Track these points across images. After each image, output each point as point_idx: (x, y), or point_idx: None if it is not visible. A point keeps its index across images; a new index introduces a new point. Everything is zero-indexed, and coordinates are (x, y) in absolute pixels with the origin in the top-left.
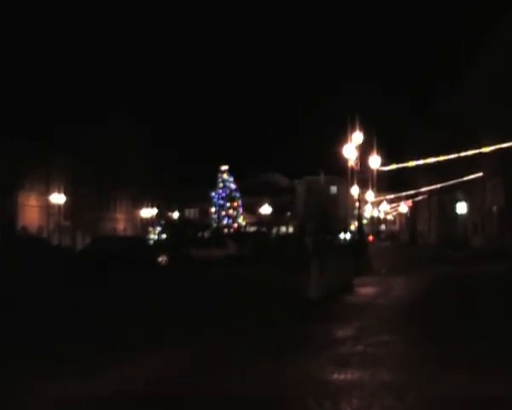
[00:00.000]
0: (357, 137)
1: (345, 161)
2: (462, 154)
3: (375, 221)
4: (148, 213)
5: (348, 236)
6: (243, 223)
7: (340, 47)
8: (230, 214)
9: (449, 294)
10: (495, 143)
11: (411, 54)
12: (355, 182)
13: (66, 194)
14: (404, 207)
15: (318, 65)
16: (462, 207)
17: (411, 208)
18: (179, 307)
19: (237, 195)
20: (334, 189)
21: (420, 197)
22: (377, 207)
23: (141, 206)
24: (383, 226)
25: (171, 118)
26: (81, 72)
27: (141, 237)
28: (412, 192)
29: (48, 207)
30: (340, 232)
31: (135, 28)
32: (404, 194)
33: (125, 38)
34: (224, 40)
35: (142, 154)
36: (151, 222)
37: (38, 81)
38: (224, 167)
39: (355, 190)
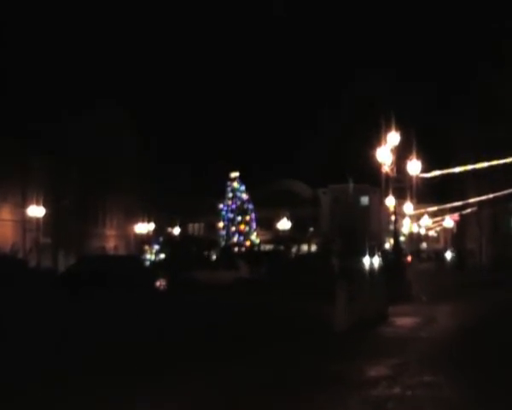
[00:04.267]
0: (393, 137)
1: (378, 166)
2: None
3: (414, 238)
4: (143, 228)
5: (376, 260)
6: (257, 240)
7: (373, 37)
8: (242, 230)
9: (503, 326)
10: None
11: (456, 47)
12: (390, 191)
13: (45, 206)
14: (449, 222)
15: (348, 55)
16: None
17: (458, 223)
18: (176, 340)
19: (250, 207)
20: (365, 199)
21: (469, 210)
22: (417, 222)
23: (135, 220)
24: (424, 244)
25: (171, 117)
26: (68, 59)
27: (135, 257)
28: (459, 204)
29: (24, 222)
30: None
31: (138, 22)
32: (449, 206)
33: (127, 33)
34: (234, 35)
35: (137, 159)
36: (147, 239)
37: (13, 69)
38: (235, 174)
39: (390, 201)
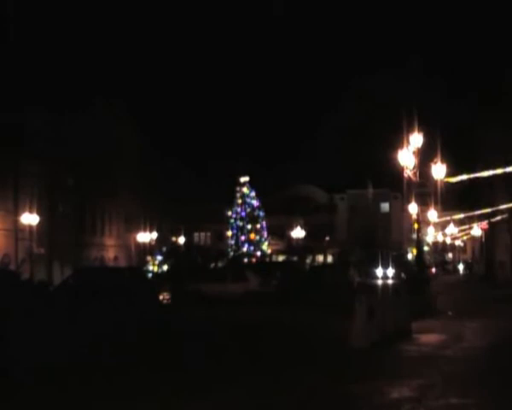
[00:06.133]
0: (416, 139)
1: (400, 170)
2: None
3: (439, 248)
4: (145, 237)
5: (390, 271)
6: (268, 250)
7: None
8: (252, 239)
9: None
10: None
11: (478, 40)
12: (413, 197)
13: (40, 213)
14: (477, 231)
15: (367, 51)
16: None
17: (487, 231)
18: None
19: (261, 214)
20: (385, 206)
21: (498, 217)
22: (442, 231)
23: (136, 228)
24: (450, 255)
25: (175, 118)
26: (68, 60)
27: (136, 269)
28: (488, 211)
29: (16, 231)
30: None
31: (139, 22)
32: (477, 213)
33: (128, 32)
34: (235, 35)
35: (138, 163)
36: (150, 249)
37: (12, 68)
38: (244, 179)
39: (413, 208)
